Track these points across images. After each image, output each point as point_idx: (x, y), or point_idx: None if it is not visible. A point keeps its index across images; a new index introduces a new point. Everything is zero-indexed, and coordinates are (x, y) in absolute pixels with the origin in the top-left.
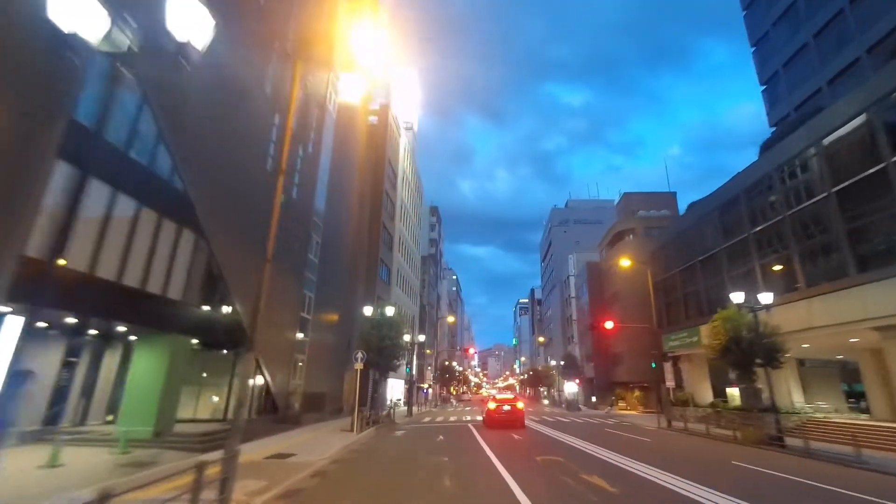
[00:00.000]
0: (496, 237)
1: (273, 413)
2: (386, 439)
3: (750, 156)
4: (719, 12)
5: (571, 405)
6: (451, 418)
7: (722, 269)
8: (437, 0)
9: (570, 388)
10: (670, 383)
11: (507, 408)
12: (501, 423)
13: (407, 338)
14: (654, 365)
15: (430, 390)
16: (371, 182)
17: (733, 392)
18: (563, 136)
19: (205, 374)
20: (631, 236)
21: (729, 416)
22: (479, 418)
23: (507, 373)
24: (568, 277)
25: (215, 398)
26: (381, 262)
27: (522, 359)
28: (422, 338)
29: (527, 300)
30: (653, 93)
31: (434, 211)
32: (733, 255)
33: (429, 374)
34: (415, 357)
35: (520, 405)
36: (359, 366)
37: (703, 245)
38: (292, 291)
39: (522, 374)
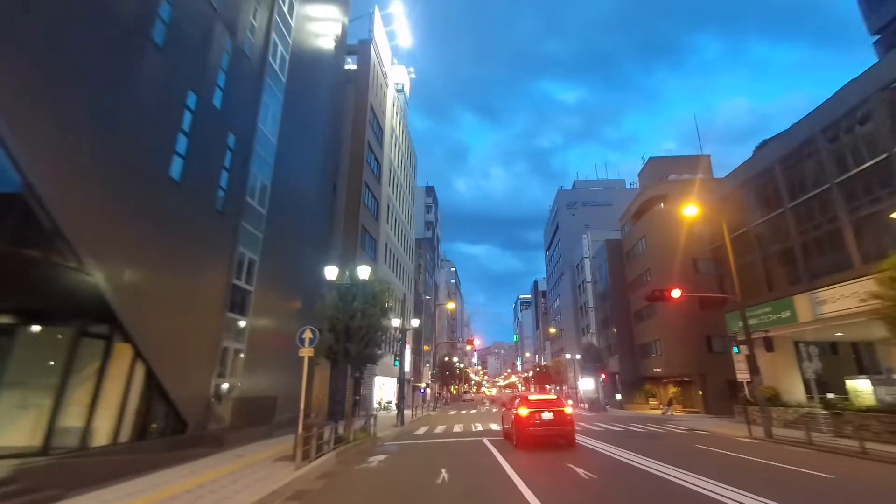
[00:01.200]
0: (493, 236)
1: (177, 431)
2: (344, 484)
3: (746, 150)
4: (711, 7)
5: (595, 405)
6: (456, 427)
7: (836, 212)
8: None
9: (587, 384)
10: (744, 375)
11: (548, 415)
12: (540, 439)
13: (395, 323)
14: (736, 350)
15: (429, 390)
16: (351, 131)
17: (857, 385)
18: (558, 132)
19: (10, 368)
20: (663, 204)
21: (859, 421)
22: (495, 427)
23: (509, 370)
24: (582, 260)
25: (33, 410)
26: (364, 230)
27: (528, 354)
28: (415, 322)
29: (528, 295)
30: (646, 88)
31: (430, 191)
32: (856, 191)
33: (426, 372)
34: (408, 350)
35: (567, 410)
36: (306, 351)
37: (797, 185)
38: (215, 244)
39: (526, 372)
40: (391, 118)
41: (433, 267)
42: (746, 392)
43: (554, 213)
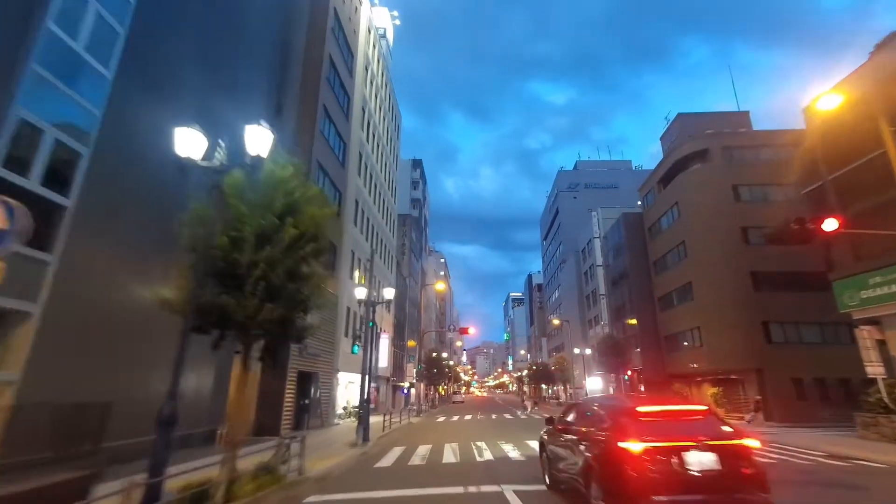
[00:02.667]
0: (482, 236)
1: None
2: None
3: None
4: (698, 11)
5: None
6: (448, 451)
7: None
8: None
9: (595, 383)
10: (876, 369)
11: (703, 460)
12: None
13: (360, 293)
14: None
15: (413, 390)
16: (306, 36)
17: None
18: (547, 133)
19: None
20: (699, 164)
21: None
22: (511, 452)
23: (499, 369)
24: (590, 242)
25: None
26: (321, 169)
27: (521, 352)
28: (389, 294)
29: (520, 293)
30: (634, 90)
31: (417, 164)
32: None
33: (410, 370)
34: (386, 341)
35: (751, 443)
36: None
37: None
38: None
39: (520, 371)
40: (366, 47)
41: (420, 250)
42: (883, 393)
43: (553, 197)
